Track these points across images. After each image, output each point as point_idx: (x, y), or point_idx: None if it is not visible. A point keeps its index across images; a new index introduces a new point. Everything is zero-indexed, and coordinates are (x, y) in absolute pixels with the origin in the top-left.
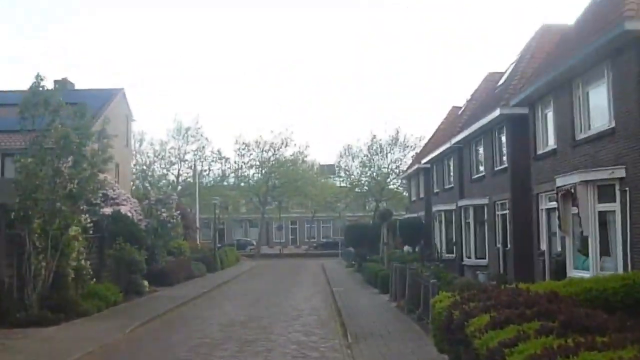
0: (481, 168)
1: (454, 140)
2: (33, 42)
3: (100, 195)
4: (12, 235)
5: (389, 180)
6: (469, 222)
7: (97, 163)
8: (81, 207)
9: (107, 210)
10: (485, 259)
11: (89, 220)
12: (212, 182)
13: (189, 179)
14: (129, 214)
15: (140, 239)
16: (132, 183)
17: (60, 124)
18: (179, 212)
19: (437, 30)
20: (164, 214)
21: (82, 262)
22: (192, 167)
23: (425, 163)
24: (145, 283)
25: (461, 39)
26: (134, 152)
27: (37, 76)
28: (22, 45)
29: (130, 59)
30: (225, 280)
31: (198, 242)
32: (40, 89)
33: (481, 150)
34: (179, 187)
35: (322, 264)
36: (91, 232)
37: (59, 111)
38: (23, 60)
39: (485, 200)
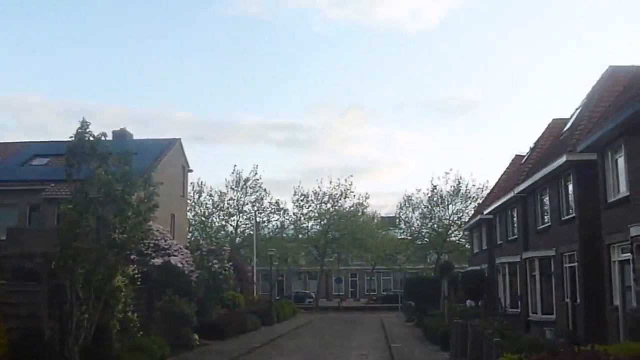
0: (547, 218)
1: (517, 190)
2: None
3: (151, 245)
4: (54, 285)
5: (450, 232)
6: (534, 275)
7: (142, 211)
8: (129, 257)
9: (157, 260)
10: (552, 314)
11: (136, 270)
12: (271, 233)
13: (247, 231)
14: (180, 265)
15: (190, 290)
16: (189, 234)
17: (104, 171)
18: (231, 263)
19: (498, 78)
20: (216, 265)
21: (129, 314)
22: (250, 219)
23: (487, 214)
24: (196, 336)
25: (522, 87)
26: (193, 203)
27: (83, 122)
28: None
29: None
30: (279, 334)
31: (255, 295)
32: (86, 136)
33: (546, 199)
34: (238, 239)
35: (381, 318)
36: (139, 282)
37: (106, 159)
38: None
39: (551, 252)
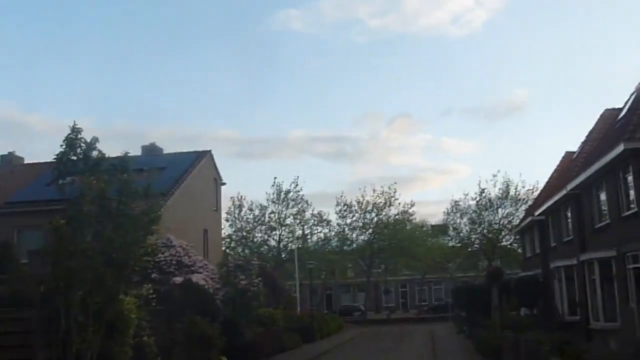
0: (605, 215)
1: (570, 187)
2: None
3: (173, 262)
4: (49, 311)
5: (501, 236)
6: (594, 279)
7: (143, 225)
8: (130, 277)
9: (178, 279)
10: (616, 321)
11: (151, 290)
12: (315, 246)
13: (289, 245)
14: (203, 283)
15: (213, 310)
16: (227, 249)
17: (96, 180)
18: (260, 278)
19: (546, 78)
20: (243, 282)
21: (145, 338)
22: (293, 232)
23: (539, 215)
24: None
25: (571, 84)
26: (234, 219)
27: (73, 127)
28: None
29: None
30: (320, 352)
31: (297, 310)
32: (78, 142)
33: (603, 194)
34: (283, 254)
35: (432, 330)
36: (154, 304)
37: (99, 166)
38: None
39: (612, 252)
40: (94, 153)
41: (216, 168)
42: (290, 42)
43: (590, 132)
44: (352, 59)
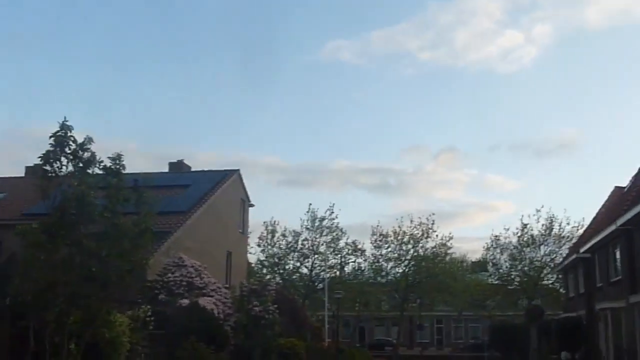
0: None
1: (620, 221)
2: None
3: (184, 283)
4: (22, 329)
5: (542, 274)
6: None
7: (131, 236)
8: (114, 295)
9: (184, 301)
10: None
11: (149, 312)
12: (349, 276)
13: (322, 273)
14: (212, 307)
15: (220, 337)
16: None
17: (77, 182)
18: (276, 305)
19: (597, 116)
20: (257, 308)
21: None
22: (325, 260)
23: (584, 252)
24: None
25: (624, 123)
26: (267, 244)
27: (63, 124)
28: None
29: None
30: None
31: (325, 342)
32: (67, 141)
33: None
34: (319, 284)
35: None
36: (151, 327)
37: (89, 165)
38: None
39: None
40: (86, 154)
41: (244, 188)
42: (337, 72)
43: None
44: (400, 91)
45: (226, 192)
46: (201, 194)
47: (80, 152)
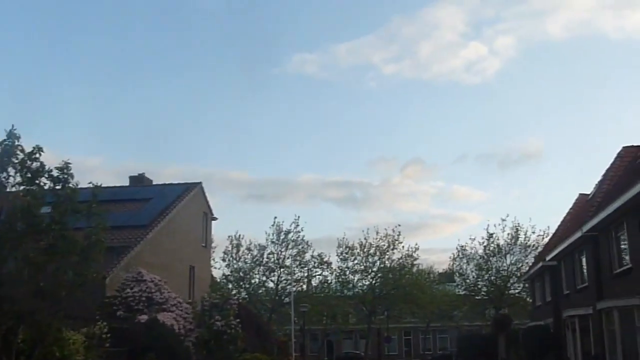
0: (626, 259)
1: (586, 228)
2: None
3: (143, 298)
4: None
5: (509, 284)
6: (613, 330)
7: (81, 249)
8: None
9: (143, 317)
10: None
11: (105, 329)
12: (315, 289)
13: (288, 287)
14: (172, 322)
15: (180, 354)
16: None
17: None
18: (238, 320)
19: (561, 125)
20: (218, 323)
21: None
22: (291, 274)
23: (550, 260)
24: None
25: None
26: (231, 258)
27: (10, 132)
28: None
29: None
30: None
31: (291, 357)
32: (13, 150)
33: (624, 235)
34: (285, 298)
35: None
36: (107, 344)
37: (37, 176)
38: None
39: (635, 301)
40: (35, 164)
41: (207, 201)
42: (303, 85)
43: (608, 171)
44: (365, 104)
45: (188, 206)
46: (162, 207)
47: (29, 162)
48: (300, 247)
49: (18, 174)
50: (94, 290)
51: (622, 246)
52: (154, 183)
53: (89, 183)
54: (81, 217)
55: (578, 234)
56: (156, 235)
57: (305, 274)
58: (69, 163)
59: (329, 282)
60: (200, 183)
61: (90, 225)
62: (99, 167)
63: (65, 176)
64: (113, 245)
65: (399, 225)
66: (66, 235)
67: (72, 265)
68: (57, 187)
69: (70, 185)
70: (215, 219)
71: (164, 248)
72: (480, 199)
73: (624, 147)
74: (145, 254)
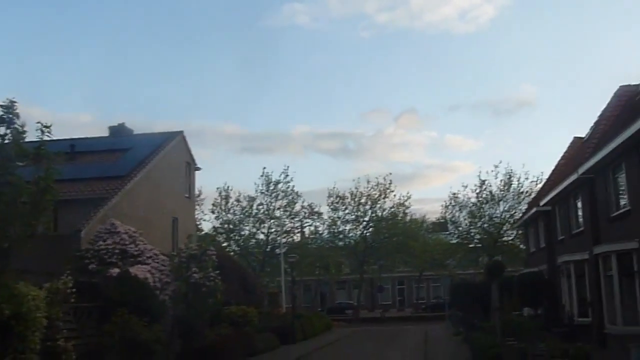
0: (624, 201)
1: (582, 170)
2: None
3: (116, 251)
4: None
5: (502, 231)
6: (610, 275)
7: (31, 195)
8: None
9: (114, 271)
10: (638, 325)
11: (70, 283)
12: (307, 240)
13: (278, 238)
14: (147, 275)
15: (154, 308)
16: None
17: None
18: (218, 271)
19: (555, 73)
20: (196, 275)
21: (61, 342)
22: (281, 225)
23: (544, 205)
24: None
25: (582, 78)
26: (220, 210)
27: None
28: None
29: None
30: (296, 357)
31: (282, 308)
32: None
33: (622, 177)
34: (276, 250)
35: (427, 330)
36: (73, 300)
37: None
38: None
39: (633, 244)
40: None
41: (189, 151)
42: (295, 36)
43: (604, 111)
44: (358, 54)
45: (169, 155)
46: (141, 157)
47: None
48: (290, 197)
49: None
50: (69, 244)
51: (620, 188)
52: (132, 132)
53: (37, 123)
54: (28, 160)
55: (573, 177)
56: (135, 186)
57: (296, 225)
58: (14, 102)
59: (320, 232)
60: (181, 132)
61: (39, 172)
62: (91, 122)
63: (10, 116)
64: (89, 197)
65: (390, 174)
66: (11, 181)
67: (19, 215)
68: (1, 129)
69: (17, 126)
70: (198, 169)
71: (143, 199)
72: (473, 147)
73: (621, 86)
74: (124, 205)
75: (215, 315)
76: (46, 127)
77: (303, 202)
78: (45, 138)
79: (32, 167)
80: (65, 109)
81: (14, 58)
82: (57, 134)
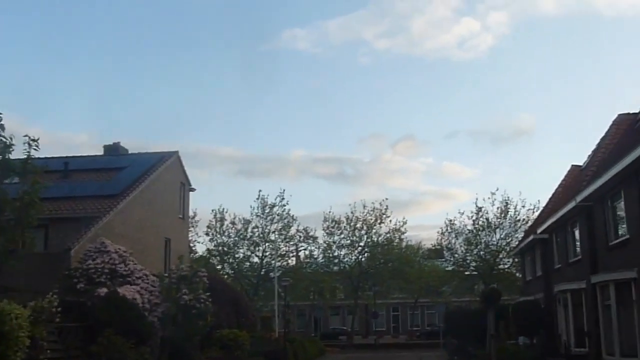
0: (622, 229)
1: (580, 198)
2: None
3: (106, 270)
4: None
5: (498, 259)
6: (608, 305)
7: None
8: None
9: (102, 290)
10: (636, 356)
11: (55, 303)
12: (302, 264)
13: (273, 262)
14: (136, 296)
15: (141, 330)
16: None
17: None
18: (209, 293)
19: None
20: (186, 297)
21: None
22: (276, 249)
23: (541, 233)
24: None
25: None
26: (215, 232)
27: None
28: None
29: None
30: None
31: (275, 333)
32: None
33: (621, 204)
34: (270, 273)
35: (421, 357)
36: (58, 319)
37: None
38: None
39: (632, 274)
40: None
41: (184, 171)
42: (294, 61)
43: (602, 139)
44: (357, 80)
45: (163, 175)
46: (135, 176)
47: None
48: (285, 221)
49: None
50: (59, 262)
51: (619, 216)
52: (127, 151)
53: (25, 136)
54: (13, 174)
55: (571, 205)
56: (128, 205)
57: (291, 249)
58: (0, 113)
59: (315, 257)
60: (176, 152)
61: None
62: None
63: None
64: (82, 215)
65: (386, 199)
66: None
67: (2, 230)
68: None
69: (2, 138)
70: (193, 189)
71: (136, 219)
72: (471, 175)
73: (619, 115)
74: (116, 224)
75: (206, 338)
76: (34, 140)
77: (298, 225)
78: (33, 152)
79: (19, 183)
80: (62, 129)
81: (12, 80)
82: (53, 153)
